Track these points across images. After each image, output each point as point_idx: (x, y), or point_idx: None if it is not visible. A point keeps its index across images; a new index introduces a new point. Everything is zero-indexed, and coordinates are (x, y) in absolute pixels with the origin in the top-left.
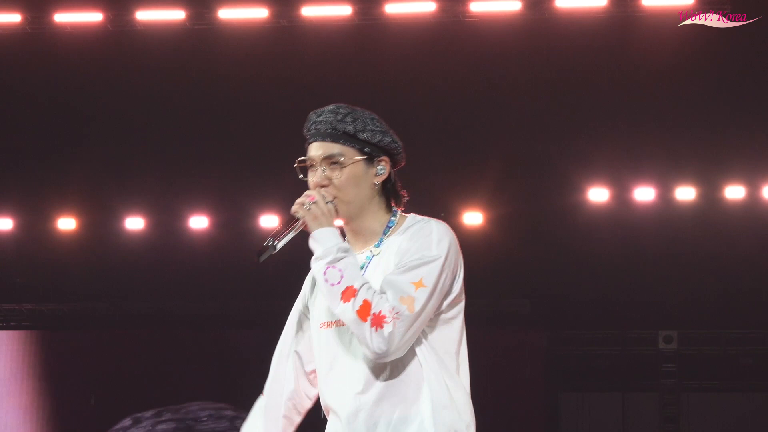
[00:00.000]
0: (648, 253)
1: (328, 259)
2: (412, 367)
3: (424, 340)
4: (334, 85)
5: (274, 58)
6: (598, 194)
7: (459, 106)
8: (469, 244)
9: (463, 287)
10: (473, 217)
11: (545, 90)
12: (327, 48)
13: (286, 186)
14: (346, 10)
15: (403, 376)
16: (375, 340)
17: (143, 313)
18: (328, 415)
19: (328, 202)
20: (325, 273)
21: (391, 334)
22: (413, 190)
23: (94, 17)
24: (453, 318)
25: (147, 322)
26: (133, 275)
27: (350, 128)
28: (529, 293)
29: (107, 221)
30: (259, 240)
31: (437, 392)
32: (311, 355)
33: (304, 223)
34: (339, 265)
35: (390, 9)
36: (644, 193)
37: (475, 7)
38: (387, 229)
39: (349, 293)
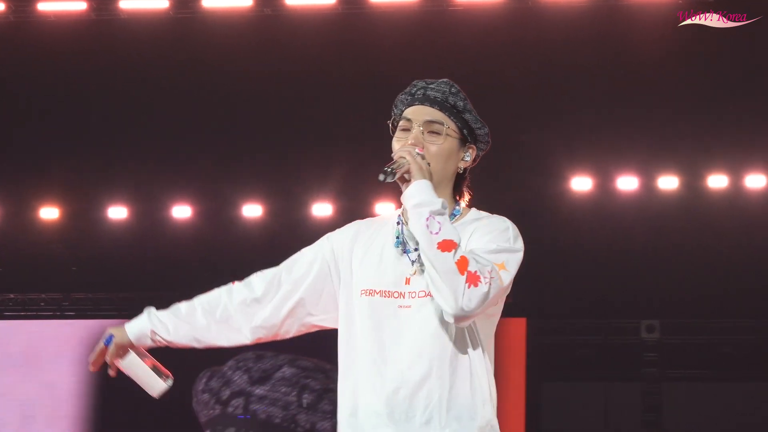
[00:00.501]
0: (630, 242)
1: (432, 209)
2: (461, 355)
3: (474, 330)
4: (317, 74)
5: (257, 47)
6: (581, 183)
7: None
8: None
9: None
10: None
11: (529, 79)
12: (311, 37)
13: (269, 175)
14: None
15: (451, 360)
16: (466, 296)
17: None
18: (349, 387)
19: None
20: (427, 219)
21: (484, 294)
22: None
23: (77, 6)
24: (495, 316)
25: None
26: (119, 264)
27: (460, 104)
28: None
29: (90, 211)
30: (239, 229)
31: (481, 385)
32: (316, 307)
33: (407, 169)
34: (439, 218)
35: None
36: (627, 182)
37: None
38: (452, 216)
39: (448, 245)
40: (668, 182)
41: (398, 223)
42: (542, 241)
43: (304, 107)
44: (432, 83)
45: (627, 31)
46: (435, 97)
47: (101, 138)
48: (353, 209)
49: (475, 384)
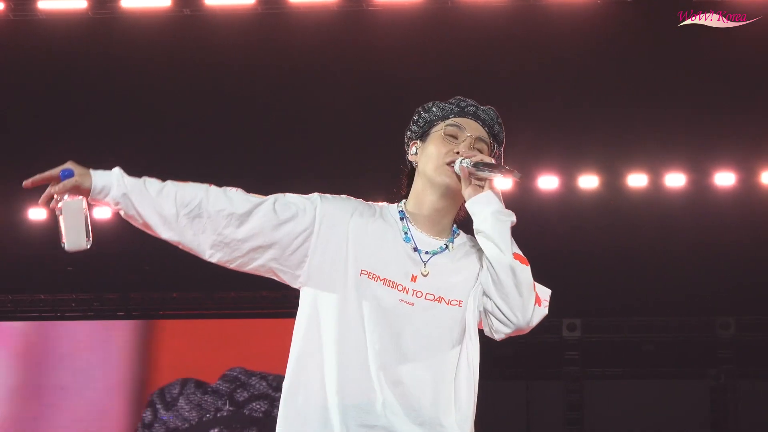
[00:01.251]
0: (551, 241)
1: (513, 219)
2: (455, 368)
3: (468, 348)
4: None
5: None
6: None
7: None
8: None
9: None
10: None
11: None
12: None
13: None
14: None
15: (446, 371)
16: (533, 313)
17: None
18: (332, 365)
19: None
20: (511, 225)
21: (544, 316)
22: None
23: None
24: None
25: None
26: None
27: (501, 136)
28: None
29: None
30: None
31: (469, 401)
32: (283, 257)
33: (487, 176)
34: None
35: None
36: (547, 182)
37: None
38: (453, 233)
39: (523, 259)
40: (589, 181)
41: (402, 219)
42: None
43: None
44: (481, 106)
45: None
46: (485, 119)
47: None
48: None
49: (463, 398)
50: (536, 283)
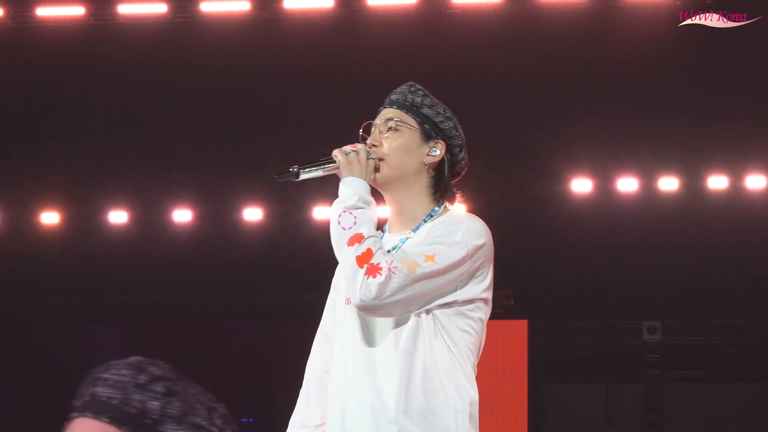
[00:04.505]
0: (631, 243)
1: (347, 204)
2: (438, 358)
3: (443, 332)
4: (315, 78)
5: (256, 51)
6: (581, 185)
7: (441, 98)
8: None
9: (489, 290)
10: (456, 208)
11: (528, 81)
12: (308, 41)
13: (269, 179)
14: (328, 3)
15: (408, 362)
16: (364, 287)
17: (125, 306)
18: (339, 395)
19: (370, 158)
20: (339, 215)
21: (381, 284)
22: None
23: (76, 11)
24: (471, 313)
25: (129, 315)
26: (117, 268)
27: (418, 100)
28: (511, 284)
29: (90, 215)
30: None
31: (442, 390)
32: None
33: (337, 167)
34: (356, 212)
35: (372, 1)
36: (627, 183)
37: None
38: (428, 217)
39: (355, 239)
40: (668, 183)
41: (382, 231)
42: (543, 243)
43: (303, 110)
44: (396, 89)
45: (626, 33)
46: (396, 99)
47: (98, 142)
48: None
49: (441, 382)
50: (401, 252)
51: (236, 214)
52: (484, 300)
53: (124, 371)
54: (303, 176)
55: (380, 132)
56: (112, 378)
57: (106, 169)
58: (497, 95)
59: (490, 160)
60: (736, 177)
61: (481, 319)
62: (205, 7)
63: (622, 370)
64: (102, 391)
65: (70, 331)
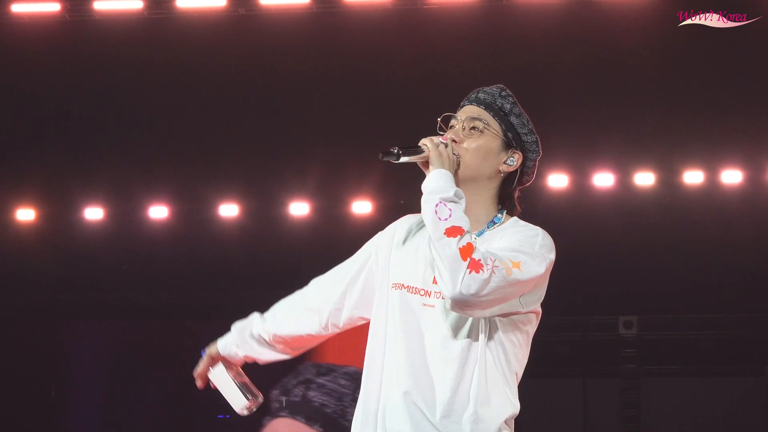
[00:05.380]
0: (607, 238)
1: (444, 196)
2: (477, 363)
3: (497, 343)
4: (291, 74)
5: (232, 47)
6: (557, 180)
7: (418, 94)
8: None
9: (540, 304)
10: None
11: (503, 76)
12: (285, 37)
13: (246, 176)
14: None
15: (464, 366)
16: (467, 280)
17: (103, 303)
18: (372, 379)
19: (454, 154)
20: (437, 206)
21: (485, 280)
22: (377, 174)
23: (51, 7)
24: (523, 326)
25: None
26: (96, 266)
27: (507, 107)
28: None
29: (67, 212)
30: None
31: (494, 393)
32: (364, 300)
33: (427, 156)
34: (451, 205)
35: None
36: (603, 179)
37: None
38: (491, 223)
39: (456, 231)
40: (644, 178)
41: None
42: None
43: (279, 106)
44: (485, 88)
45: (602, 28)
46: (484, 98)
47: (74, 139)
48: (330, 208)
49: (492, 389)
50: (492, 252)
51: (212, 210)
52: (537, 313)
53: (343, 381)
54: (402, 159)
55: (463, 128)
56: (329, 385)
57: (82, 165)
58: (471, 90)
59: None
60: (712, 172)
61: (529, 333)
62: (181, 3)
63: (598, 365)
64: (316, 396)
65: (47, 329)
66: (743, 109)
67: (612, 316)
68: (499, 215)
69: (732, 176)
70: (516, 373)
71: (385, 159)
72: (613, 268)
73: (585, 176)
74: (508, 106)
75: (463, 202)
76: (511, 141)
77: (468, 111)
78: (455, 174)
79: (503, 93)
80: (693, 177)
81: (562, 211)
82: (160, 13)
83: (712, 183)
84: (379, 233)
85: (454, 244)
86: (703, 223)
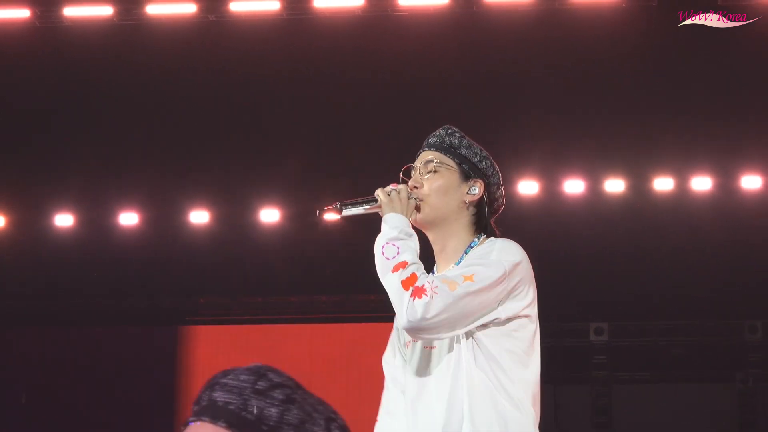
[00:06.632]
0: (577, 245)
1: (390, 236)
2: (477, 381)
3: (487, 356)
4: (260, 80)
5: (202, 53)
6: (527, 187)
7: (387, 101)
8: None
9: (532, 307)
10: None
11: (474, 84)
12: (255, 44)
13: (215, 180)
14: (274, 5)
15: (471, 389)
16: (410, 309)
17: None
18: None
19: (411, 197)
20: (383, 247)
21: (427, 304)
22: (345, 183)
23: (21, 14)
24: (516, 333)
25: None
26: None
27: (455, 142)
28: None
29: (38, 219)
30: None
31: (506, 409)
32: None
33: (379, 205)
34: (398, 243)
35: (319, 3)
36: (574, 186)
37: (403, 1)
38: (469, 248)
39: (400, 266)
40: (614, 185)
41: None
42: None
43: (249, 112)
44: (433, 132)
45: (572, 36)
46: (434, 142)
47: (44, 145)
48: (299, 215)
49: (501, 411)
50: (443, 275)
51: (183, 217)
52: (527, 317)
53: (243, 376)
54: (345, 212)
55: (420, 174)
56: (231, 383)
57: (53, 171)
58: (442, 98)
59: None
60: (682, 179)
61: (527, 338)
62: (151, 10)
63: (569, 371)
64: (220, 396)
65: (18, 335)
66: (713, 116)
67: (583, 322)
68: (476, 239)
69: (702, 183)
70: (521, 382)
71: (324, 213)
72: (584, 274)
73: (555, 183)
74: (456, 141)
75: (413, 237)
76: (468, 171)
77: (422, 157)
78: (420, 217)
79: (449, 131)
80: (663, 184)
81: (532, 218)
82: (130, 19)
83: (682, 190)
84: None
85: (396, 278)
86: (673, 229)
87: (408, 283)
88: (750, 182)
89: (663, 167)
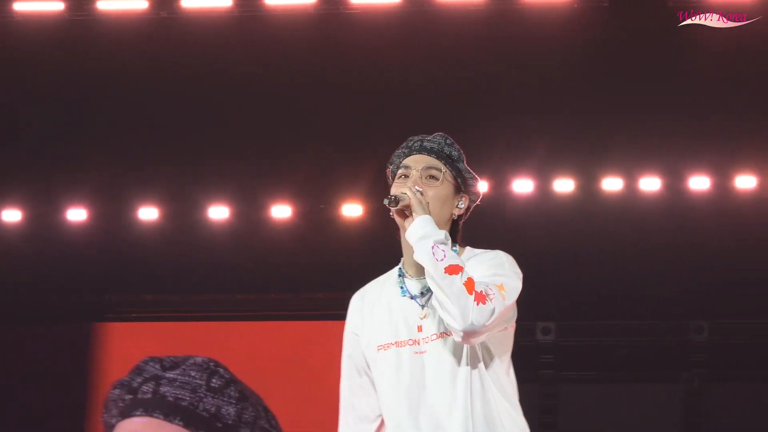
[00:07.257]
0: (525, 244)
1: (437, 239)
2: (482, 388)
3: (490, 362)
4: (213, 77)
5: (153, 49)
6: (478, 187)
7: (349, 103)
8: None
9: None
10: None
11: (426, 83)
12: (206, 41)
13: (166, 177)
14: (226, 2)
15: (475, 395)
16: (475, 313)
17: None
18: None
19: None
20: (432, 248)
21: (492, 310)
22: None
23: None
24: (508, 341)
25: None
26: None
27: (455, 155)
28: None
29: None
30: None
31: (505, 411)
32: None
33: (408, 204)
34: (443, 247)
35: (270, 0)
36: (523, 185)
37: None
38: None
39: (455, 269)
40: (563, 185)
41: (400, 276)
42: None
43: (199, 109)
44: (428, 137)
45: (524, 35)
46: (432, 147)
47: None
48: (250, 212)
49: (500, 411)
50: (480, 282)
51: (132, 214)
52: (513, 327)
53: (194, 373)
54: (397, 206)
55: (421, 177)
56: (180, 379)
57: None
58: (398, 98)
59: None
60: (631, 179)
61: (511, 344)
62: (101, 6)
63: (516, 370)
64: (170, 391)
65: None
66: (662, 115)
67: (530, 321)
68: (455, 248)
69: (651, 183)
70: (512, 383)
71: (391, 205)
72: (531, 273)
73: (504, 182)
74: (455, 153)
75: (450, 243)
76: (461, 186)
77: (420, 160)
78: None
79: (448, 141)
80: (611, 184)
81: (480, 218)
82: (81, 14)
83: (631, 190)
84: (347, 325)
85: (458, 280)
86: (621, 230)
87: (470, 287)
88: (699, 183)
89: (612, 168)
